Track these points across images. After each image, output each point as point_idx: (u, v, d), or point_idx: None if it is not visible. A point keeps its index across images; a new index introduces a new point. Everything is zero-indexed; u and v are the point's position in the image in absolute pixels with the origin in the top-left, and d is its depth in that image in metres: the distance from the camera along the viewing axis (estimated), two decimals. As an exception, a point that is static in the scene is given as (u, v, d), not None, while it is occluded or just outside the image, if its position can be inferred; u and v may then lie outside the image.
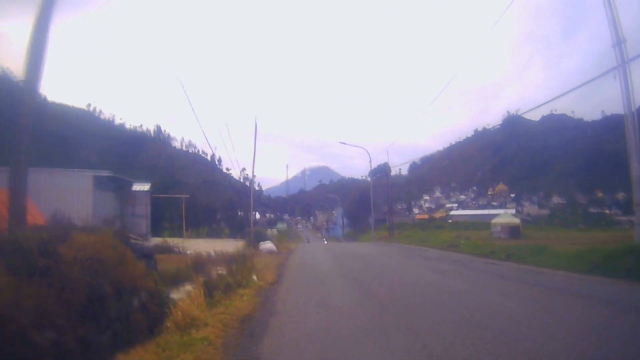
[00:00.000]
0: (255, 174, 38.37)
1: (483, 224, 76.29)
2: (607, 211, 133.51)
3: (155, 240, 29.39)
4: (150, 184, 37.78)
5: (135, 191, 36.13)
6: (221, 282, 12.23)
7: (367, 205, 79.29)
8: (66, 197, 28.28)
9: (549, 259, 18.45)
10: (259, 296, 11.75)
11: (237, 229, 71.07)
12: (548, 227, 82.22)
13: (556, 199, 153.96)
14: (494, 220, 63.25)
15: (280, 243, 38.05)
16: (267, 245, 28.15)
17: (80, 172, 31.86)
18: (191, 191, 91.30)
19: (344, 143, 71.41)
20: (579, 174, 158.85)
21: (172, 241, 28.76)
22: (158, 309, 7.75)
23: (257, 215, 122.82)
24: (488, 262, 19.90)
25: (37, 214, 14.77)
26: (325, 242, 76.74)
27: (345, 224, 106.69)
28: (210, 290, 10.91)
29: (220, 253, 22.16)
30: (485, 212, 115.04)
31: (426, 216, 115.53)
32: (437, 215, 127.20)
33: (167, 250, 24.69)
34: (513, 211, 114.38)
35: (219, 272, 14.97)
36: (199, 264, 16.97)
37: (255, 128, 37.30)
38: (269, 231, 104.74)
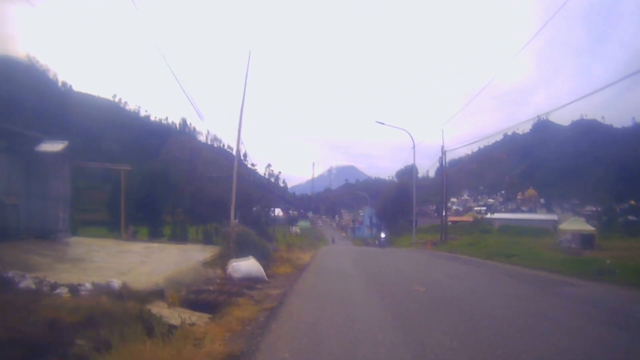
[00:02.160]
0: (242, 141, 22.18)
1: (537, 229, 61.79)
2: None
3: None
4: (66, 143, 20.31)
5: (44, 153, 19.31)
6: None
7: (403, 205, 65.58)
8: None
9: None
10: None
11: (251, 225, 57.83)
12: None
13: (589, 206, 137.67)
14: (562, 226, 48.62)
15: (290, 250, 22.89)
16: (244, 267, 12.37)
17: None
18: (203, 183, 77.27)
19: (381, 123, 59.77)
20: (610, 181, 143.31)
21: (96, 245, 13.56)
22: None
23: (278, 212, 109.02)
24: None
25: None
26: (381, 244, 60.70)
27: (374, 224, 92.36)
28: None
29: (99, 289, 6.87)
30: (528, 216, 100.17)
31: (469, 218, 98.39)
32: (468, 217, 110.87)
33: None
34: (550, 216, 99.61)
35: None
36: None
37: (247, 65, 21.10)
38: (291, 229, 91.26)
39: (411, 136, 47.49)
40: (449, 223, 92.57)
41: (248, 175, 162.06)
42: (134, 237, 28.74)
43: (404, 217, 67.77)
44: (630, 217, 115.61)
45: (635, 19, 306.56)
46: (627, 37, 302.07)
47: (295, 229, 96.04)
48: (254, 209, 64.10)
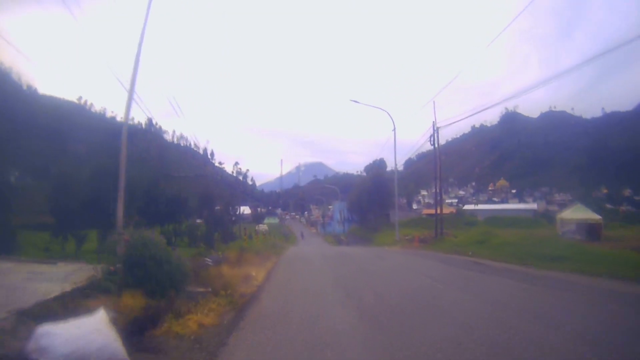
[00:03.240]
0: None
1: (524, 219, 58.20)
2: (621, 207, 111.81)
3: None
4: None
5: None
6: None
7: (379, 197, 61.30)
8: None
9: None
10: None
11: (214, 226, 51.20)
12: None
13: (559, 195, 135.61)
14: (563, 216, 41.84)
15: (241, 261, 15.41)
16: (64, 343, 4.44)
17: None
18: (159, 180, 70.41)
19: (356, 102, 51.42)
20: (581, 170, 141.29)
21: None
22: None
23: (245, 210, 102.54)
24: None
25: None
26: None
27: (345, 219, 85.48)
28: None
29: None
30: (509, 206, 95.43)
31: (452, 209, 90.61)
32: (447, 209, 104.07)
33: None
34: (529, 206, 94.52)
35: None
36: None
37: None
38: (258, 226, 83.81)
39: (390, 116, 41.26)
40: (424, 216, 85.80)
41: (216, 174, 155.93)
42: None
43: (381, 210, 60.75)
44: (608, 205, 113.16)
45: (602, 12, 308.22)
46: (593, 30, 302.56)
47: (263, 227, 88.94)
48: (217, 207, 57.64)
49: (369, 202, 61.52)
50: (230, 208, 62.90)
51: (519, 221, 54.33)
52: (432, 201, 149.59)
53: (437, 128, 31.24)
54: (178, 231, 48.46)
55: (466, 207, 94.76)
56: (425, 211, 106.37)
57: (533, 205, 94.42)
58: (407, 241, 36.08)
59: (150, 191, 48.47)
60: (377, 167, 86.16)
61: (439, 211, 35.58)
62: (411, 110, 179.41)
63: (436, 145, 32.88)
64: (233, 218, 62.25)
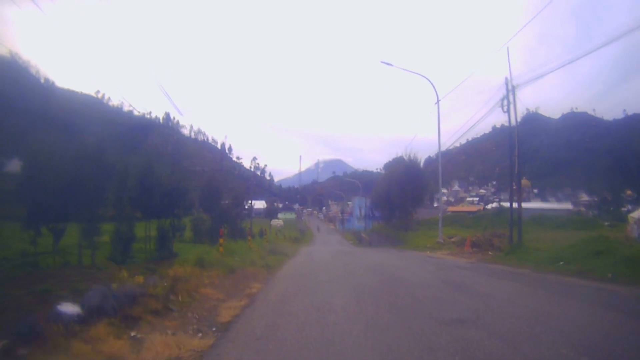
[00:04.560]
0: None
1: (575, 220, 48.79)
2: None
3: None
4: None
5: None
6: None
7: (412, 190, 49.92)
8: None
9: None
10: None
11: (220, 221, 43.18)
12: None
13: (588, 197, 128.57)
14: (637, 215, 33.60)
15: (177, 295, 6.05)
16: None
17: None
18: (149, 171, 63.42)
19: (389, 64, 39.76)
20: (603, 172, 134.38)
21: None
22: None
23: (254, 203, 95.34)
24: None
25: None
26: None
27: (366, 215, 78.24)
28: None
29: None
30: (544, 205, 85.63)
31: (479, 207, 78.98)
32: (467, 206, 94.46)
33: None
34: (563, 205, 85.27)
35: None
36: None
37: None
38: (272, 222, 75.74)
39: (432, 85, 32.25)
40: (449, 213, 75.98)
41: (233, 168, 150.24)
42: None
43: (414, 205, 51.09)
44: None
45: (622, 14, 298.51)
46: (613, 33, 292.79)
47: (278, 222, 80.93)
48: (225, 202, 49.78)
49: (400, 196, 49.58)
50: (240, 201, 55.40)
51: (568, 222, 45.32)
52: (452, 199, 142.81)
53: (513, 87, 21.17)
54: (177, 226, 40.13)
55: (503, 204, 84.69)
56: (451, 208, 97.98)
57: (568, 205, 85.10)
58: (454, 244, 26.92)
59: (144, 180, 39.30)
60: (397, 164, 77.02)
61: (517, 207, 21.81)
62: (429, 108, 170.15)
63: (512, 119, 22.59)
64: (243, 212, 54.79)
